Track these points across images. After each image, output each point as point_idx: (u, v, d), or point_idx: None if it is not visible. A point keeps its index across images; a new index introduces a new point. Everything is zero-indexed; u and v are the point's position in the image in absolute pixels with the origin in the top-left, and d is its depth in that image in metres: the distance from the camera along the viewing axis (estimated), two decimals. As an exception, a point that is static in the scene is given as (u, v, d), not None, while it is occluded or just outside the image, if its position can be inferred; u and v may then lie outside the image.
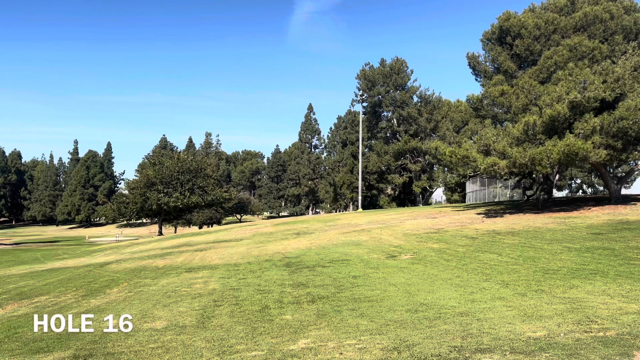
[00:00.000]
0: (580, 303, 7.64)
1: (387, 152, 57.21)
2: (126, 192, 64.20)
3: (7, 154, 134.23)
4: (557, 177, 25.84)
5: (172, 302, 9.99)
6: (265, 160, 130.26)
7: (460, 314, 7.48)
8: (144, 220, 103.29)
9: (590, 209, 20.20)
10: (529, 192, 27.89)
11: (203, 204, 59.37)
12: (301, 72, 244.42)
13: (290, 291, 10.38)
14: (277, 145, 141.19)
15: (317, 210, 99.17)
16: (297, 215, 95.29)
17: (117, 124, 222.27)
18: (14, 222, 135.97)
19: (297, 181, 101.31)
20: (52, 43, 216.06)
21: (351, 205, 65.82)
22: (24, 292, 13.87)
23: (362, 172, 53.94)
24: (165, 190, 57.04)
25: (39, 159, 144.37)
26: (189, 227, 73.18)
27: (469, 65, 27.06)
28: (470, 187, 46.34)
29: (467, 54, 27.06)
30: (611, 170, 26.36)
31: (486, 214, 22.77)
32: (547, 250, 12.79)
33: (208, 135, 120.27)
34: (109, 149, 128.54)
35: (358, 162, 53.56)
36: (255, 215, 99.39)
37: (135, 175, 69.83)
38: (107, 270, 17.68)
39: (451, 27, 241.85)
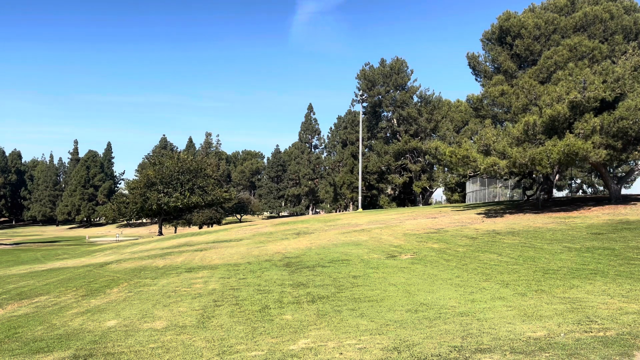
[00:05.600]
0: (580, 303, 7.64)
1: (387, 152, 57.21)
2: (126, 192, 64.31)
3: (7, 154, 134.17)
4: (557, 177, 25.84)
5: (172, 302, 9.99)
6: (265, 160, 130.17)
7: (460, 314, 7.48)
8: (144, 220, 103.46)
9: (590, 209, 20.20)
10: (529, 192, 27.90)
11: (203, 204, 59.42)
12: (302, 72, 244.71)
13: (290, 291, 10.37)
14: (277, 145, 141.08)
15: (317, 210, 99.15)
16: (297, 215, 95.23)
17: (117, 124, 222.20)
18: (14, 222, 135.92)
19: (297, 181, 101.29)
20: (52, 43, 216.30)
21: (351, 205, 65.81)
22: (24, 292, 13.87)
23: (362, 172, 53.94)
24: (165, 190, 57.08)
25: (39, 159, 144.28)
26: (189, 227, 73.16)
27: (469, 65, 27.08)
28: (470, 187, 46.34)
29: (467, 54, 27.10)
30: (611, 170, 26.35)
31: (486, 214, 22.76)
32: (547, 250, 12.79)
33: (208, 135, 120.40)
34: (109, 149, 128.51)
35: (358, 162, 53.57)
36: (255, 215, 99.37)
37: (135, 175, 69.90)
38: (107, 270, 17.67)
39: (451, 27, 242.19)
